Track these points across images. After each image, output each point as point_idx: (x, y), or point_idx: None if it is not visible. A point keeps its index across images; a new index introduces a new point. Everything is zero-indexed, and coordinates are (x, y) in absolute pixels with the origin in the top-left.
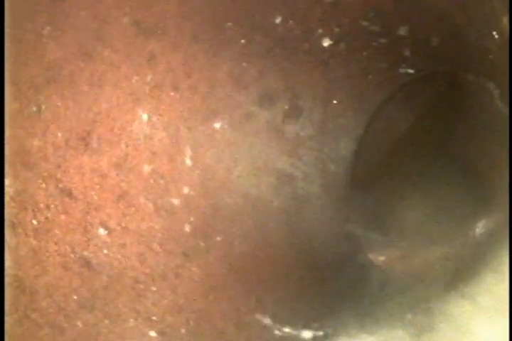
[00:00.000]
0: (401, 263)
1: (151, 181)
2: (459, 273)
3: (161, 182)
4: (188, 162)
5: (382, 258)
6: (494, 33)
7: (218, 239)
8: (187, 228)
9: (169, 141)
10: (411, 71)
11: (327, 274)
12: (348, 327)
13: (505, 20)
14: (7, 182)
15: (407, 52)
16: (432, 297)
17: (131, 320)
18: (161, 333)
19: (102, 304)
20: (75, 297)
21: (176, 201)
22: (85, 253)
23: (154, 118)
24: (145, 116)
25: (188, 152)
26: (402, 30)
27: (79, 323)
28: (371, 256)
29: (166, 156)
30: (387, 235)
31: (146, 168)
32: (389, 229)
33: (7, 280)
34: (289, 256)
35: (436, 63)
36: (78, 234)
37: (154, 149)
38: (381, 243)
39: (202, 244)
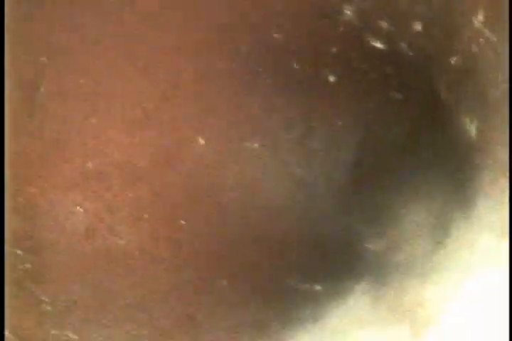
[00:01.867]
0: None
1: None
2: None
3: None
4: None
5: (378, 247)
6: None
7: (252, 229)
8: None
9: (218, 159)
10: (399, 96)
11: (329, 255)
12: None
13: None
14: None
15: (393, 83)
16: None
17: None
18: None
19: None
20: None
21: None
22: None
23: (208, 143)
24: (202, 142)
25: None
26: (389, 69)
27: None
28: (368, 245)
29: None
30: (380, 227)
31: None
32: (382, 222)
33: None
34: (300, 241)
35: (416, 91)
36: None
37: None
38: (375, 234)
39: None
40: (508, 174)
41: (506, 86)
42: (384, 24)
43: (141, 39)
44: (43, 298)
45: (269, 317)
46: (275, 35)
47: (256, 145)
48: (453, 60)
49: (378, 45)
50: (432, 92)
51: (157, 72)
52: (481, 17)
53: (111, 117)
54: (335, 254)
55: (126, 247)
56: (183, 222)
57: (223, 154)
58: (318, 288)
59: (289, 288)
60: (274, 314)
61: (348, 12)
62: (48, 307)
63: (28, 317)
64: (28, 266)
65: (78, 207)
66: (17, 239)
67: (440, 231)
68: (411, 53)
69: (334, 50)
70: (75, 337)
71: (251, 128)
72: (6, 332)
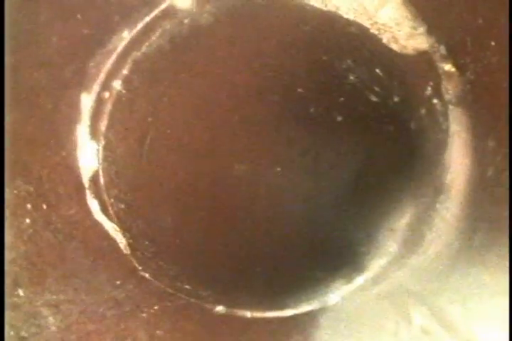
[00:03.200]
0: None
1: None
2: None
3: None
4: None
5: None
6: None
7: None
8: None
9: (249, 179)
10: (390, 128)
11: (329, 251)
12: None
13: None
14: None
15: (386, 120)
16: None
17: None
18: None
19: None
20: None
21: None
22: None
23: (245, 167)
24: (240, 167)
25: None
26: (383, 112)
27: None
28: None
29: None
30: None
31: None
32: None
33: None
34: (302, 235)
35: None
36: None
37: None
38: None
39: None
40: None
41: None
42: (377, 88)
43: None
44: None
45: None
46: (299, 90)
47: (279, 169)
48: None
49: (374, 98)
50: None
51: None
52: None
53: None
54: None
55: None
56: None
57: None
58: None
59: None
60: None
61: (352, 77)
62: None
63: None
64: None
65: None
66: None
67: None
68: (394, 104)
69: (342, 99)
70: None
71: (274, 155)
72: None
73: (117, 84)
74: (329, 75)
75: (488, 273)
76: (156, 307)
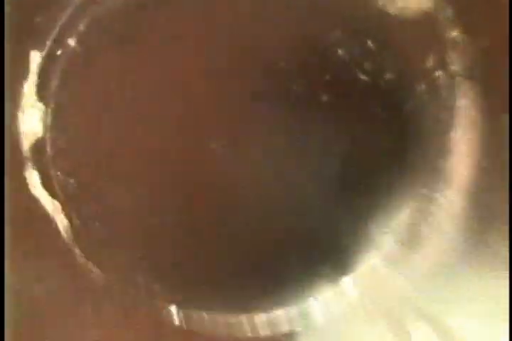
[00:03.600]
0: None
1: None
2: None
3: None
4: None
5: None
6: None
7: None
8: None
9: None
10: (382, 113)
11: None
12: None
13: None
14: None
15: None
16: None
17: None
18: None
19: None
20: None
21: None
22: None
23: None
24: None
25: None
26: (372, 93)
27: None
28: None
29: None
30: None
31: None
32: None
33: None
34: (289, 231)
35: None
36: None
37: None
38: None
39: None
40: None
41: None
42: (368, 64)
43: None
44: None
45: None
46: (280, 64)
47: (256, 150)
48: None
49: (364, 76)
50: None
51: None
52: None
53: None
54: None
55: None
56: None
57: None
58: None
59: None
60: None
61: (340, 52)
62: None
63: None
64: None
65: None
66: None
67: None
68: (387, 81)
69: (328, 77)
70: None
71: (252, 135)
72: None
73: (72, 41)
74: (314, 49)
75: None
76: (94, 303)
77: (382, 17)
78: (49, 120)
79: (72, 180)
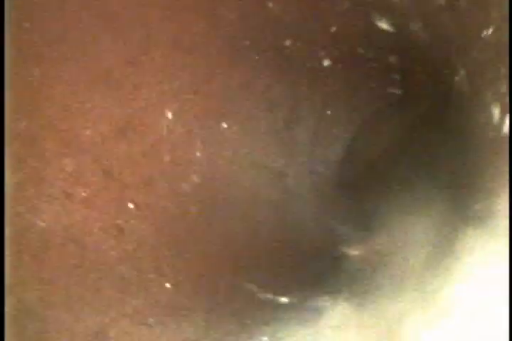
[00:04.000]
0: (373, 260)
1: (169, 168)
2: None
3: (177, 169)
4: (198, 154)
5: (355, 252)
6: None
7: (216, 222)
8: (192, 210)
9: (185, 135)
10: (398, 92)
11: (304, 259)
12: (323, 297)
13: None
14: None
15: (395, 76)
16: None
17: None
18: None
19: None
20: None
21: (186, 186)
22: (118, 221)
23: (176, 117)
24: (169, 115)
25: (199, 146)
26: (393, 59)
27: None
28: (345, 249)
29: (182, 148)
30: (364, 232)
31: (166, 157)
32: (366, 226)
33: None
34: (272, 241)
35: (421, 86)
36: (113, 206)
37: (174, 141)
38: (357, 239)
39: (202, 223)
40: None
41: None
42: (388, 15)
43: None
44: None
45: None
46: (269, 4)
47: (225, 125)
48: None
49: (385, 26)
50: (444, 85)
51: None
52: None
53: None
54: (310, 261)
55: None
56: (131, 206)
57: (190, 131)
58: (283, 300)
59: (248, 295)
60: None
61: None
62: None
63: None
64: None
65: None
66: None
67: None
68: (424, 35)
69: (334, 29)
70: None
71: (224, 106)
72: None
73: None
74: None
75: None
76: None
77: None
78: None
79: None
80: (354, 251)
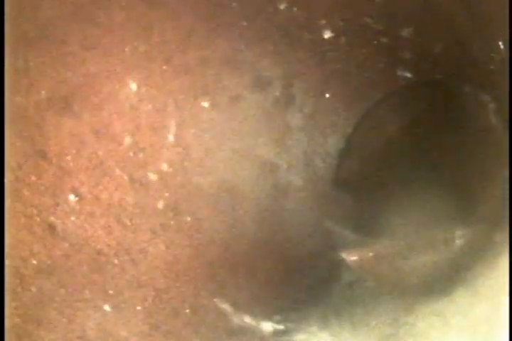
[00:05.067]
0: (373, 266)
1: (130, 153)
2: (432, 288)
3: (140, 155)
4: (171, 138)
5: (354, 258)
6: (500, 42)
7: (188, 219)
8: (160, 205)
9: (155, 114)
10: (409, 75)
11: (295, 268)
12: (311, 324)
13: None
14: None
15: (407, 55)
16: (400, 308)
17: (87, 292)
18: (115, 307)
19: (60, 272)
20: (34, 262)
21: (152, 176)
22: (52, 218)
23: (143, 90)
24: (134, 86)
25: (173, 128)
26: (406, 32)
27: (33, 288)
28: (344, 254)
29: (149, 129)
30: (364, 235)
31: (127, 140)
32: (367, 229)
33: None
34: (259, 246)
35: (435, 70)
36: (47, 198)
37: (138, 121)
38: (356, 242)
39: (172, 222)
40: None
41: None
42: None
43: None
44: None
45: None
46: None
47: (205, 104)
48: None
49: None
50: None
51: None
52: None
53: None
54: (301, 270)
55: None
56: (72, 198)
57: (162, 109)
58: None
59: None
60: None
61: None
62: None
63: None
64: None
65: None
66: None
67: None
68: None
69: None
70: None
71: (204, 81)
72: None
73: None
74: None
75: None
76: None
77: None
78: None
79: None
80: (353, 257)
